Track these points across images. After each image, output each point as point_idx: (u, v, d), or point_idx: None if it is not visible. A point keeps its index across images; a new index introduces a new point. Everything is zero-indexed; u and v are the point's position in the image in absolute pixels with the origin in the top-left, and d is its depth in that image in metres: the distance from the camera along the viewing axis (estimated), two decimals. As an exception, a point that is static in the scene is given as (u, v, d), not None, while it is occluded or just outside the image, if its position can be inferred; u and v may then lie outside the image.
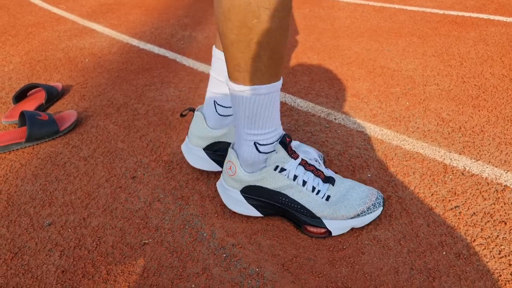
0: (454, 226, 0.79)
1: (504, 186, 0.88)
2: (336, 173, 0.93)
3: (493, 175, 0.92)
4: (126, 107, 1.32)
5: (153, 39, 1.99)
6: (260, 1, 0.59)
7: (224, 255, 0.76)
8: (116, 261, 0.76)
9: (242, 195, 0.81)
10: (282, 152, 0.77)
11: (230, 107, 0.91)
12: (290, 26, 0.69)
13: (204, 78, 1.50)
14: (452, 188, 0.89)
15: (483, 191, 0.88)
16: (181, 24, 2.20)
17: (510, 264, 0.71)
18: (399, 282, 0.69)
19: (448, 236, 0.77)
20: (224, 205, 0.88)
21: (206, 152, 0.94)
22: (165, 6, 2.59)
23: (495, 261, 0.71)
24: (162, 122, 1.22)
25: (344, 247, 0.77)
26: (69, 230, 0.84)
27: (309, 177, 0.79)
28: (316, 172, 0.80)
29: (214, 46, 0.90)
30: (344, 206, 0.78)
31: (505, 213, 0.81)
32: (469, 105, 1.20)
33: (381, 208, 0.79)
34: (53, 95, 1.38)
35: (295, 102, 1.29)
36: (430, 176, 0.93)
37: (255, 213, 0.83)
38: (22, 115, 1.16)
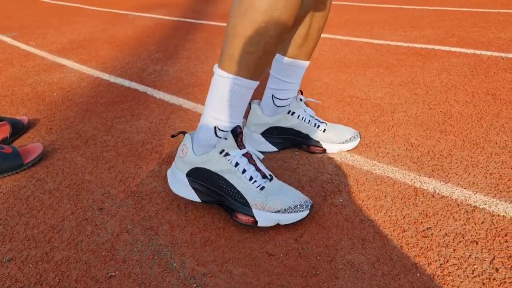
0: (427, 247, 0.79)
1: (474, 207, 0.89)
2: (309, 197, 0.92)
3: (462, 197, 0.93)
4: (95, 139, 1.30)
5: (123, 73, 1.98)
6: (273, 17, 0.73)
7: (195, 285, 0.73)
8: (79, 296, 0.72)
9: (187, 177, 0.88)
10: (231, 140, 0.85)
11: (286, 99, 1.11)
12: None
13: (175, 110, 1.49)
14: (423, 210, 0.89)
15: (453, 212, 0.88)
16: (153, 59, 2.21)
17: (483, 284, 0.70)
18: (375, 305, 0.68)
19: (421, 258, 0.77)
20: (195, 234, 0.86)
21: (264, 137, 1.15)
22: (137, 42, 2.61)
23: (469, 281, 0.71)
24: (132, 153, 1.20)
25: (318, 272, 0.75)
26: (30, 265, 0.80)
27: (250, 168, 0.86)
28: (257, 168, 0.87)
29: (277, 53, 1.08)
30: (275, 200, 0.84)
31: (476, 233, 0.82)
32: (436, 130, 1.23)
33: (307, 211, 0.85)
34: (18, 129, 1.34)
35: (266, 131, 1.29)
36: (401, 199, 0.93)
37: (194, 197, 0.89)
38: (-16, 148, 1.12)
